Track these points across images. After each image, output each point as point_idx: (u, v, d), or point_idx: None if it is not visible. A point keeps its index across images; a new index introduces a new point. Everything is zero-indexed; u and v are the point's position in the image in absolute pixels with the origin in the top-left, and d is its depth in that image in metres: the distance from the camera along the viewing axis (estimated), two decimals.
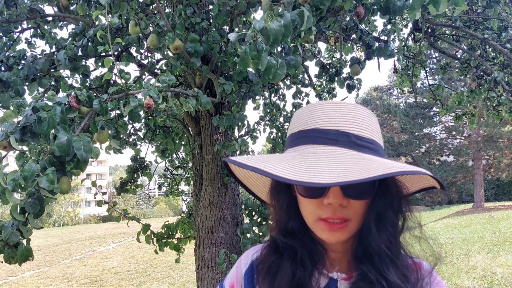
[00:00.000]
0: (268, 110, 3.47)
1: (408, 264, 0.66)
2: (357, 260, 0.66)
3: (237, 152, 2.67)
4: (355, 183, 0.51)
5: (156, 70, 2.99)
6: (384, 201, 0.64)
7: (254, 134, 3.27)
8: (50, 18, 2.76)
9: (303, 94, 3.51)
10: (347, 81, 2.93)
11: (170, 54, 2.23)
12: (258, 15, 2.39)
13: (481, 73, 3.71)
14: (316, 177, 0.52)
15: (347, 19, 2.74)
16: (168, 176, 4.41)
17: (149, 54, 2.80)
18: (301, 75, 3.48)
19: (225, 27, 2.47)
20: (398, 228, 0.66)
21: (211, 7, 2.41)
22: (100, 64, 2.47)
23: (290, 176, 0.54)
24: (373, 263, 0.64)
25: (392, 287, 0.62)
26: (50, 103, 1.58)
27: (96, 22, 2.27)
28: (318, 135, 0.64)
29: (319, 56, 3.25)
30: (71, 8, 2.67)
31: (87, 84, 2.53)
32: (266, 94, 3.52)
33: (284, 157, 0.63)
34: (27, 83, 2.28)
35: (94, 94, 1.71)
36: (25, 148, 1.69)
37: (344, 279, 0.69)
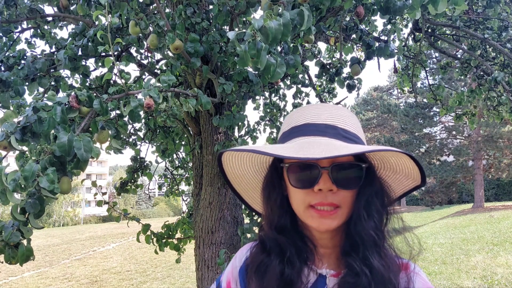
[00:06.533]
0: (268, 110, 3.48)
1: (392, 258, 0.69)
2: (344, 254, 0.69)
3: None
4: (345, 155, 0.58)
5: (156, 70, 2.99)
6: (370, 190, 0.69)
7: (254, 134, 3.27)
8: (50, 18, 2.76)
9: (303, 94, 3.51)
10: (347, 81, 2.93)
11: (170, 54, 2.23)
12: (258, 15, 2.39)
13: (481, 73, 3.71)
14: (309, 154, 0.60)
15: (347, 19, 2.74)
16: (168, 176, 4.41)
17: (149, 54, 2.80)
18: (301, 75, 3.48)
19: (225, 27, 2.47)
20: (383, 217, 0.70)
21: (211, 7, 2.41)
22: (100, 64, 2.47)
23: (285, 154, 0.61)
24: (359, 252, 0.67)
25: (375, 274, 0.64)
26: (50, 103, 1.57)
27: (96, 22, 2.27)
28: (309, 128, 0.70)
29: (319, 56, 3.25)
30: (71, 8, 2.67)
31: (87, 84, 2.52)
32: (266, 94, 3.52)
33: (278, 145, 0.70)
34: (27, 83, 2.28)
35: (94, 94, 1.71)
36: (25, 148, 1.69)
37: (333, 276, 0.71)
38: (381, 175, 0.73)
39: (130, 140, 3.68)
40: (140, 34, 2.15)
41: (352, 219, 0.68)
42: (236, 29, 2.42)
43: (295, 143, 0.67)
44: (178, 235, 3.50)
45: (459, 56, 4.32)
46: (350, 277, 0.66)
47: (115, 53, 2.34)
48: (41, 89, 2.50)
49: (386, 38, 3.70)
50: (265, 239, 0.76)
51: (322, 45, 3.97)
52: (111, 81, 2.40)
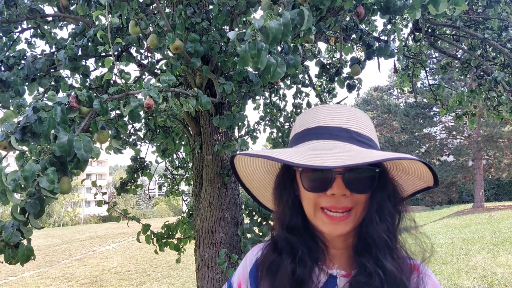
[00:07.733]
0: (268, 110, 3.47)
1: (404, 260, 0.69)
2: (357, 254, 0.69)
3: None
4: (359, 165, 0.58)
5: (156, 70, 2.99)
6: (383, 193, 0.69)
7: (254, 134, 3.27)
8: (50, 18, 2.76)
9: (304, 94, 3.51)
10: (347, 81, 2.93)
11: (170, 54, 2.23)
12: (258, 15, 2.38)
13: (482, 73, 3.71)
14: (324, 162, 0.59)
15: (347, 19, 2.74)
16: (168, 176, 4.41)
17: (149, 54, 2.80)
18: (301, 75, 3.48)
19: (225, 27, 2.47)
20: (396, 220, 0.70)
21: (211, 7, 2.41)
22: (100, 64, 2.47)
23: (300, 162, 0.60)
24: (371, 253, 0.67)
25: (388, 276, 0.64)
26: (50, 103, 1.57)
27: (96, 22, 2.27)
28: (322, 132, 0.70)
29: (319, 56, 3.24)
30: (71, 8, 2.67)
31: (87, 84, 2.52)
32: (267, 94, 3.52)
33: (291, 149, 0.69)
34: (27, 83, 2.28)
35: (94, 94, 1.70)
36: (25, 148, 1.69)
37: (344, 276, 0.71)
38: (392, 176, 0.73)
39: (130, 140, 3.68)
40: (140, 34, 2.15)
41: (364, 222, 0.68)
42: (236, 29, 2.42)
43: (307, 148, 0.67)
44: (178, 235, 3.50)
45: (459, 56, 4.32)
46: (362, 276, 0.66)
47: (115, 53, 2.34)
48: (41, 89, 2.50)
49: (386, 38, 3.70)
50: (277, 238, 0.76)
51: (322, 45, 3.97)
52: (111, 81, 2.40)
